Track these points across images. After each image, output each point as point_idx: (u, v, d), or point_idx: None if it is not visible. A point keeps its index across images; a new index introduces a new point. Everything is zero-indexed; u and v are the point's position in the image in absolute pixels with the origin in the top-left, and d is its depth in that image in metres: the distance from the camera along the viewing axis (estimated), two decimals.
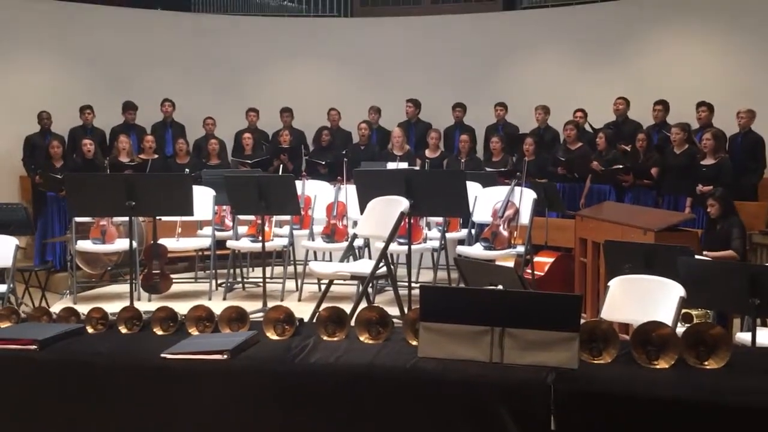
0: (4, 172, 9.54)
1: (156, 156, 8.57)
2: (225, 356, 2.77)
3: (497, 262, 5.73)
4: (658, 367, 2.64)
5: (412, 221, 5.12)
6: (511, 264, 5.87)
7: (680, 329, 2.90)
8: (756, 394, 2.41)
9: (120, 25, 10.26)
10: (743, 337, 3.99)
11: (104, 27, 10.14)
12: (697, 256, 4.27)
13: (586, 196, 7.84)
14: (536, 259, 6.50)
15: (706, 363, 2.64)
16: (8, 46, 9.58)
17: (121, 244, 6.79)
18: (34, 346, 2.91)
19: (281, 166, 8.51)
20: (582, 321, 2.66)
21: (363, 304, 4.04)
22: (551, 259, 6.71)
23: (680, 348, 2.66)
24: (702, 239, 5.98)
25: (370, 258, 6.52)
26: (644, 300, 3.50)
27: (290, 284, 6.87)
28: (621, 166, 7.45)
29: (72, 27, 9.96)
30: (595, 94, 9.27)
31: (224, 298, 6.65)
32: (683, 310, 3.69)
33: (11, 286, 5.67)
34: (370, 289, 5.03)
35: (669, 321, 3.23)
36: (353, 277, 5.02)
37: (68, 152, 8.39)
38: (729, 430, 2.36)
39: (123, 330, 3.17)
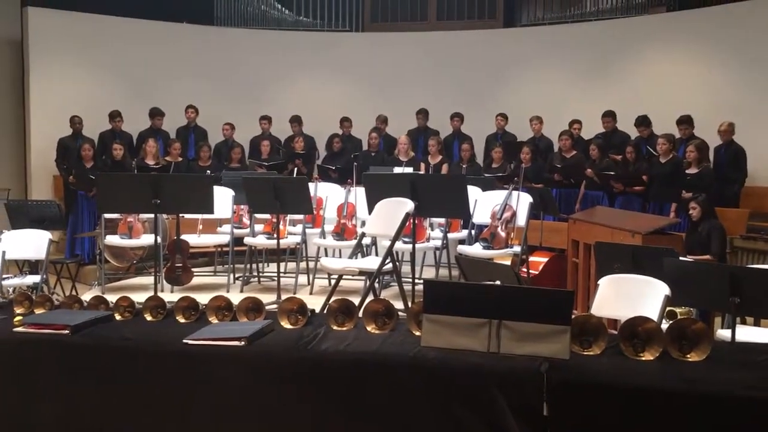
0: (39, 171, 9.60)
1: (180, 159, 8.60)
2: (242, 343, 2.79)
3: (495, 261, 5.73)
4: (643, 359, 2.64)
5: (416, 222, 5.14)
6: (508, 262, 5.88)
7: (664, 325, 2.90)
8: (734, 385, 2.41)
9: (148, 37, 10.29)
10: (724, 333, 3.97)
11: (133, 39, 10.17)
12: (681, 258, 4.27)
13: (581, 201, 7.83)
14: (531, 258, 6.50)
15: (688, 356, 2.64)
16: (44, 56, 9.63)
17: (147, 239, 6.81)
18: (67, 331, 2.95)
19: (295, 169, 8.53)
20: (573, 316, 2.67)
21: (370, 297, 4.06)
22: (545, 259, 6.71)
23: (664, 341, 2.66)
24: (684, 241, 5.97)
25: (377, 255, 6.52)
26: (631, 297, 3.50)
27: (302, 279, 6.86)
28: (613, 173, 7.45)
29: (103, 38, 9.99)
30: (587, 106, 9.25)
31: (241, 291, 6.65)
32: (668, 308, 3.69)
33: (44, 276, 5.72)
34: (376, 284, 5.04)
35: (654, 318, 3.23)
36: (361, 272, 5.03)
37: (98, 154, 8.42)
38: (708, 418, 2.37)
39: (148, 317, 3.19)
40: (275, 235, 6.21)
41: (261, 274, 7.27)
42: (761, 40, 8.68)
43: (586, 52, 10.01)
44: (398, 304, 3.70)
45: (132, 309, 3.24)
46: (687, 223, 6.46)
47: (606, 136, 8.44)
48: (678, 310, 4.39)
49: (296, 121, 9.72)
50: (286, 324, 3.05)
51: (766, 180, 8.31)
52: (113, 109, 9.20)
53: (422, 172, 8.28)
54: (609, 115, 8.55)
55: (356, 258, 5.44)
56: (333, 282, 5.31)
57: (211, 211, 5.50)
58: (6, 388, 2.95)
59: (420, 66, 10.64)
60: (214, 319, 3.15)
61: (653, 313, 3.27)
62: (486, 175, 7.97)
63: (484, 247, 6.28)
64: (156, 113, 9.41)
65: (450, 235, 6.84)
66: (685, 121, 7.76)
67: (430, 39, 10.84)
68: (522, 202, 6.37)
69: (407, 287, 5.05)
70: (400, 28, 11.17)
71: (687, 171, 7.02)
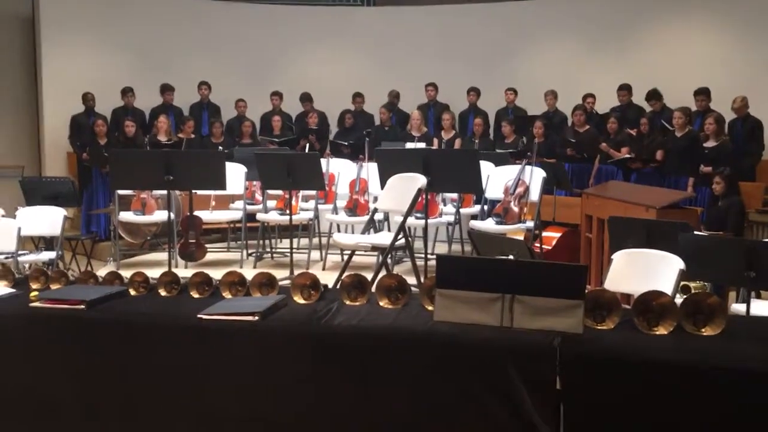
0: (53, 148, 9.64)
1: (192, 135, 8.61)
2: (256, 318, 2.80)
3: (508, 236, 5.71)
4: (657, 333, 2.62)
5: (428, 197, 5.11)
6: (521, 238, 5.85)
7: (678, 300, 2.88)
8: (750, 359, 2.40)
9: (159, 13, 10.26)
10: (738, 307, 3.95)
11: (145, 15, 10.15)
12: (696, 232, 4.23)
13: (595, 175, 7.77)
14: (544, 233, 6.48)
15: (703, 330, 2.62)
16: (56, 33, 9.63)
17: (160, 215, 6.85)
18: (82, 306, 2.96)
19: (308, 145, 8.53)
20: (587, 290, 2.66)
21: (383, 273, 4.05)
22: (558, 234, 6.69)
23: (679, 316, 2.64)
24: (703, 216, 5.93)
25: (389, 231, 6.52)
26: (645, 272, 3.48)
27: (315, 254, 6.90)
28: (629, 156, 7.39)
29: (115, 15, 9.98)
30: (601, 80, 9.16)
31: (254, 266, 6.68)
32: (682, 283, 3.67)
33: (60, 252, 5.77)
34: (389, 260, 5.03)
35: (669, 292, 3.21)
36: (374, 248, 5.02)
37: (111, 131, 8.45)
38: (723, 392, 2.35)
39: (163, 293, 3.20)
40: (288, 211, 6.22)
41: (274, 250, 7.29)
42: None
43: (601, 24, 9.89)
44: (411, 280, 3.70)
45: (146, 284, 3.26)
46: (706, 198, 6.42)
47: (622, 110, 8.36)
48: (692, 284, 4.36)
49: (307, 99, 9.71)
50: (299, 299, 3.05)
51: None
52: (125, 86, 9.20)
53: (435, 147, 8.26)
54: (624, 89, 8.46)
55: (369, 233, 5.43)
56: (345, 257, 5.30)
57: (224, 188, 5.51)
58: (22, 363, 2.98)
59: (432, 40, 10.54)
60: (227, 294, 3.16)
61: (667, 288, 3.26)
62: (498, 150, 7.93)
63: (497, 222, 6.27)
64: (166, 89, 9.42)
65: (462, 211, 6.83)
66: (703, 92, 7.65)
67: (442, 12, 10.72)
68: (535, 177, 6.34)
69: (420, 262, 5.05)
70: (412, 1, 11.05)
71: (705, 144, 6.95)
